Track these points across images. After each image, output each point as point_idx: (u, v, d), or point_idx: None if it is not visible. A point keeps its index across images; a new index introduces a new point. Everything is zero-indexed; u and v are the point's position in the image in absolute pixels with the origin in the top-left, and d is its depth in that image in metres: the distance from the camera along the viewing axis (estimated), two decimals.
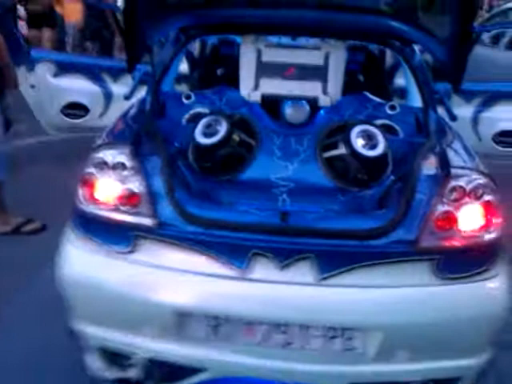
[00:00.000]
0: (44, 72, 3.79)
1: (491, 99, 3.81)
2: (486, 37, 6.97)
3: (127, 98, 3.68)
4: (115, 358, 1.89)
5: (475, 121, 3.81)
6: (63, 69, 3.83)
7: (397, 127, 2.30)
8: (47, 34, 6.92)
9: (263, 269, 1.69)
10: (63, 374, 2.29)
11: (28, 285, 2.85)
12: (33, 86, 3.85)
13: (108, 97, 3.94)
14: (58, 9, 7.16)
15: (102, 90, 3.93)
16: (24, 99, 3.94)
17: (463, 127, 3.38)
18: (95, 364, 1.96)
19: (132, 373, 1.84)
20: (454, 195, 1.76)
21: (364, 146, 2.03)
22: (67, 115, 3.95)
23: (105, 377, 1.97)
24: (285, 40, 2.63)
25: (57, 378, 2.29)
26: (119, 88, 3.86)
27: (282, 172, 2.05)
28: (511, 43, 6.56)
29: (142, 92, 3.22)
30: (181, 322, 1.76)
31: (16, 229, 3.45)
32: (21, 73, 3.81)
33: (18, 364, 2.34)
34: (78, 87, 3.91)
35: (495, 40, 6.84)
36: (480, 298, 1.77)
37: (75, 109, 3.95)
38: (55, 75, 3.87)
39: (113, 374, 1.93)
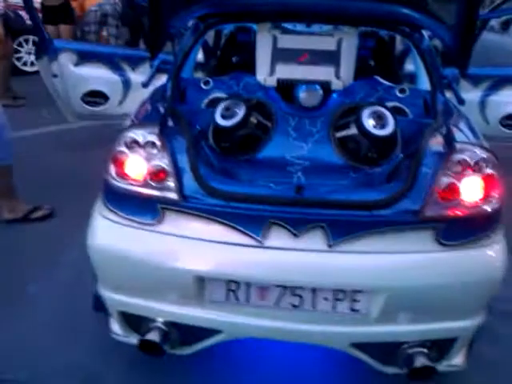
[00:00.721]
0: (66, 61, 3.90)
1: (498, 83, 3.89)
2: (495, 23, 7.02)
3: (145, 85, 3.79)
4: (137, 322, 2.05)
5: (483, 104, 3.90)
6: (84, 58, 3.95)
7: (406, 109, 2.41)
8: (65, 31, 6.78)
9: (278, 237, 1.83)
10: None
11: (41, 273, 2.98)
12: (55, 76, 3.98)
13: (127, 85, 4.05)
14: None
15: (121, 78, 4.03)
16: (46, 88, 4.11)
17: (471, 111, 3.47)
18: (118, 328, 2.13)
19: (152, 336, 1.97)
20: (458, 168, 1.88)
21: (374, 126, 2.12)
22: (87, 103, 4.07)
23: (126, 341, 2.14)
24: (299, 27, 2.73)
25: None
26: (137, 76, 3.97)
27: (297, 151, 2.18)
28: None
29: (159, 80, 3.36)
30: (201, 286, 1.91)
31: (25, 216, 3.50)
32: (44, 63, 3.97)
33: None
34: (98, 76, 4.01)
35: (505, 26, 6.87)
36: (479, 264, 1.90)
37: (95, 97, 4.07)
38: (76, 64, 3.98)
39: (134, 337, 2.09)
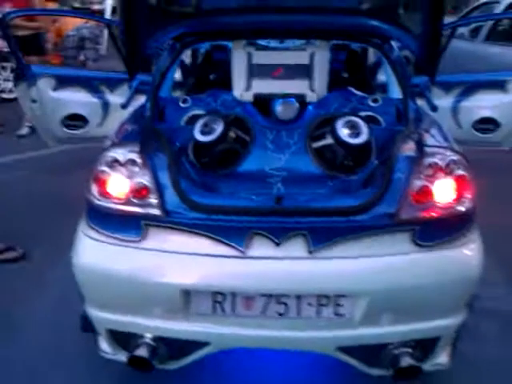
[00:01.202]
0: (45, 86, 3.92)
1: (469, 89, 3.99)
2: (465, 31, 7.21)
3: (124, 106, 3.82)
4: (125, 339, 2.07)
5: (455, 110, 4.00)
6: (62, 82, 3.97)
7: (379, 118, 2.49)
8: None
9: (261, 247, 1.88)
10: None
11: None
12: (34, 101, 3.99)
13: (106, 107, 4.07)
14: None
15: (100, 100, 4.05)
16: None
17: (444, 117, 3.56)
18: (107, 346, 2.15)
19: (140, 352, 2.00)
20: (430, 171, 1.95)
21: (349, 136, 2.19)
22: (67, 126, 4.09)
23: (115, 358, 2.16)
24: (273, 43, 2.79)
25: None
26: (116, 98, 4.00)
27: (275, 163, 2.23)
28: (488, 36, 6.76)
29: (138, 101, 3.40)
30: (188, 300, 1.94)
31: None
32: (22, 88, 3.99)
33: None
34: (77, 99, 4.02)
35: (474, 34, 7.05)
36: (456, 263, 1.96)
37: (75, 120, 4.09)
38: (55, 89, 4.01)
39: (123, 354, 2.11)
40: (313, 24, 2.72)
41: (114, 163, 2.01)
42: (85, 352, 2.45)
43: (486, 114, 4.00)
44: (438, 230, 1.93)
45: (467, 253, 1.97)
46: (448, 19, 4.80)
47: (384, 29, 2.67)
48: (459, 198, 1.97)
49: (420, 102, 2.94)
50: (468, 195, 1.98)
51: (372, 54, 3.91)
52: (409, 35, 2.55)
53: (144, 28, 2.31)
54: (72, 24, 6.44)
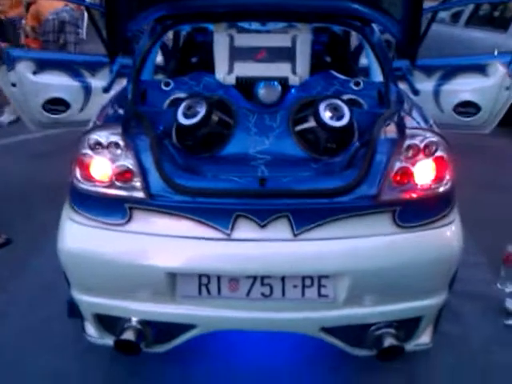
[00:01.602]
0: (24, 70, 3.86)
1: (450, 73, 4.02)
2: (446, 15, 7.25)
3: (106, 90, 3.79)
4: (112, 323, 2.08)
5: (437, 94, 4.03)
6: (42, 66, 3.90)
7: (361, 101, 2.51)
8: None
9: (245, 229, 1.89)
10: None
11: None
12: (14, 85, 3.92)
13: (87, 91, 4.01)
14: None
15: (81, 84, 3.99)
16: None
17: (426, 100, 3.60)
18: (93, 331, 2.16)
19: (127, 336, 2.00)
20: (410, 153, 1.97)
21: (331, 118, 2.21)
22: (48, 111, 4.04)
23: (102, 342, 2.18)
24: (254, 25, 2.79)
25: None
26: (98, 82, 3.95)
27: (258, 146, 2.25)
28: (469, 20, 6.82)
29: (120, 85, 3.37)
30: (173, 282, 1.96)
31: None
32: (1, 73, 3.93)
33: None
34: (58, 83, 3.96)
35: (455, 18, 7.10)
36: (437, 243, 1.99)
37: (56, 104, 4.03)
38: (35, 73, 3.95)
39: (110, 338, 2.11)
40: (294, 7, 2.72)
41: (97, 146, 2.00)
42: (71, 337, 2.47)
43: (467, 97, 4.03)
44: (418, 211, 1.96)
45: (447, 233, 2.00)
46: (430, 3, 4.85)
47: (365, 12, 2.67)
48: (439, 179, 1.99)
49: (402, 86, 2.96)
50: (448, 176, 2.01)
51: (355, 38, 3.92)
52: (390, 18, 2.55)
53: (125, 10, 2.28)
54: (50, 7, 6.30)
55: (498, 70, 4.04)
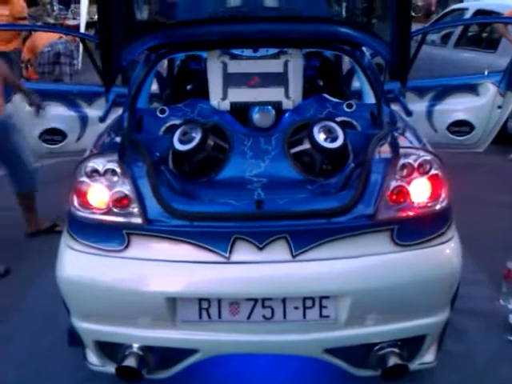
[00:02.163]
0: (21, 101, 3.92)
1: (442, 93, 4.09)
2: (436, 38, 7.37)
3: (102, 120, 3.84)
4: (113, 350, 2.06)
5: (429, 114, 4.09)
6: (41, 97, 3.98)
7: (354, 122, 2.55)
8: None
9: (244, 252, 1.89)
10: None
11: None
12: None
13: (83, 121, 4.06)
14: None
15: (78, 114, 4.05)
16: None
17: (419, 121, 3.66)
18: (95, 359, 2.14)
19: (129, 362, 1.98)
20: (405, 171, 1.99)
21: (326, 140, 2.26)
22: (45, 141, 4.07)
23: (104, 370, 2.15)
24: (247, 52, 2.83)
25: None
26: (94, 111, 4.01)
27: (254, 169, 2.28)
28: (458, 42, 6.93)
29: (115, 114, 3.41)
30: (174, 307, 1.95)
31: None
32: None
33: None
34: (55, 114, 4.02)
35: (445, 40, 7.21)
36: (436, 261, 1.99)
37: (53, 134, 4.07)
38: (31, 104, 4.01)
39: (111, 365, 2.09)
40: (285, 32, 2.77)
41: (94, 173, 2.01)
42: (72, 365, 2.44)
43: (460, 116, 4.10)
44: (416, 229, 1.97)
45: (447, 250, 2.01)
46: (418, 26, 4.95)
47: (355, 36, 2.73)
48: (435, 197, 2.01)
49: (395, 108, 3.00)
50: (443, 194, 2.02)
51: (347, 62, 3.98)
52: (379, 41, 2.60)
53: (119, 39, 2.32)
54: (45, 40, 6.38)
55: (489, 89, 4.11)
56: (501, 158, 5.54)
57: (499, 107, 4.13)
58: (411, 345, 2.05)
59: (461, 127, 4.14)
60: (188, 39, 2.82)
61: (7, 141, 3.68)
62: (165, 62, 4.14)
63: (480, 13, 6.52)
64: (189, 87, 3.75)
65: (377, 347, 2.01)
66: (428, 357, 2.14)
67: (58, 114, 4.02)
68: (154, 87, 3.60)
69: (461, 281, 2.07)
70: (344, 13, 3.52)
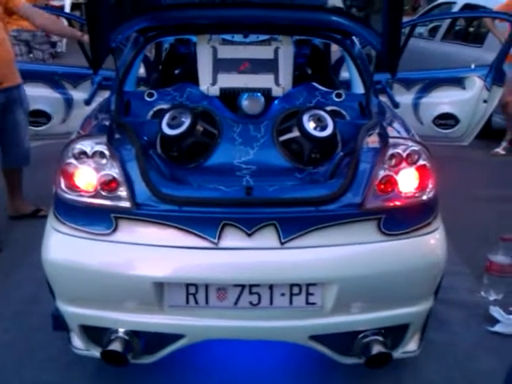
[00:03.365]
0: None
1: (429, 86, 4.12)
2: (424, 30, 7.41)
3: (87, 103, 3.80)
4: (98, 334, 2.04)
5: (416, 106, 4.13)
6: (24, 78, 3.90)
7: (343, 112, 2.56)
8: None
9: (232, 238, 1.89)
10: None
11: None
12: None
13: (69, 103, 4.02)
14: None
15: (63, 96, 4.00)
16: None
17: (406, 113, 3.67)
18: (80, 343, 2.12)
19: (114, 346, 1.97)
20: (393, 161, 2.00)
21: (315, 128, 2.26)
22: (30, 123, 4.01)
23: (89, 354, 2.14)
24: (237, 37, 2.82)
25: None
26: (79, 94, 3.96)
27: (243, 156, 2.27)
28: (446, 35, 6.98)
29: (101, 97, 3.36)
30: (161, 292, 1.94)
31: None
32: None
33: None
34: (40, 95, 3.97)
35: (432, 33, 7.26)
36: (422, 250, 2.01)
37: (37, 116, 4.02)
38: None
39: (96, 350, 2.08)
40: (276, 19, 2.75)
41: (82, 155, 1.98)
42: (56, 350, 2.43)
43: (446, 109, 4.14)
44: (402, 219, 1.98)
45: (432, 241, 2.03)
46: (407, 19, 4.96)
47: (346, 24, 2.72)
48: (422, 188, 2.02)
49: (382, 99, 3.01)
50: (430, 185, 2.04)
51: (335, 52, 3.99)
52: (370, 31, 2.60)
53: (108, 20, 2.28)
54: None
55: (476, 83, 4.16)
56: (484, 152, 5.61)
57: (485, 101, 4.18)
58: (395, 333, 2.08)
59: (446, 120, 4.19)
60: (178, 22, 2.79)
61: (11, 113, 3.63)
62: (152, 46, 4.10)
63: (468, 7, 6.56)
64: (177, 71, 3.72)
65: (361, 335, 2.03)
66: (411, 345, 2.16)
67: (42, 95, 3.97)
68: (141, 71, 3.56)
69: (444, 272, 2.09)
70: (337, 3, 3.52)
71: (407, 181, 2.00)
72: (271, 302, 1.96)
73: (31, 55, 6.27)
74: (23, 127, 3.73)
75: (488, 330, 2.68)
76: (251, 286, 1.93)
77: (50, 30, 3.97)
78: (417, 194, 2.01)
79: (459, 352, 2.53)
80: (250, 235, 1.89)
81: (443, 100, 4.17)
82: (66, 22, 5.73)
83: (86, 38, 3.75)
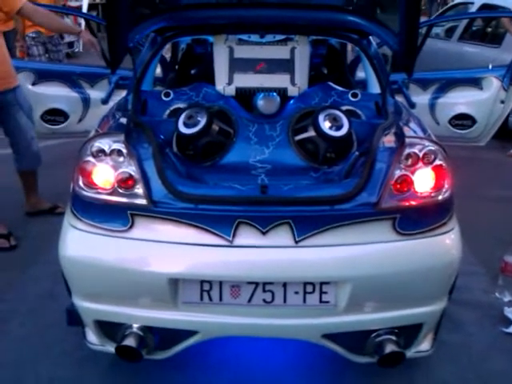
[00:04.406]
0: (24, 81, 3.90)
1: (445, 86, 4.10)
2: (440, 31, 7.36)
3: (104, 102, 3.84)
4: (113, 330, 2.07)
5: (432, 107, 4.10)
6: (42, 77, 3.95)
7: (359, 111, 2.56)
8: None
9: (247, 236, 1.90)
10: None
11: None
12: None
13: (86, 102, 4.06)
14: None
15: (80, 95, 4.04)
16: None
17: (422, 113, 3.65)
18: (94, 338, 2.16)
19: (128, 342, 1.99)
20: (409, 161, 1.99)
21: (330, 128, 2.26)
22: (47, 121, 4.07)
23: (103, 349, 2.17)
24: (254, 37, 2.84)
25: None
26: (96, 93, 4.00)
27: (259, 156, 2.29)
28: (462, 35, 6.93)
29: (118, 96, 3.39)
30: (175, 289, 1.96)
31: None
32: None
33: None
34: (57, 94, 4.01)
35: (449, 34, 7.20)
36: (437, 250, 2.00)
37: (55, 115, 4.06)
38: (34, 83, 3.99)
39: (111, 345, 2.11)
40: (293, 19, 2.77)
41: (100, 153, 2.01)
42: (70, 345, 2.47)
43: (463, 110, 4.11)
44: (418, 219, 1.97)
45: (447, 241, 2.02)
46: (424, 19, 4.94)
47: (363, 24, 2.72)
48: (438, 187, 2.01)
49: (399, 99, 3.01)
50: (446, 185, 2.03)
51: (351, 52, 3.99)
52: (387, 31, 2.60)
53: (125, 20, 2.31)
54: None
55: (493, 83, 4.12)
56: (500, 153, 5.57)
57: (502, 102, 4.14)
58: (408, 333, 2.07)
59: (463, 121, 4.16)
60: (195, 23, 2.81)
61: (10, 116, 3.66)
62: (169, 46, 4.12)
63: (485, 7, 6.51)
64: (193, 71, 3.75)
65: (374, 334, 2.03)
66: (424, 345, 2.16)
67: (60, 94, 4.01)
68: (157, 71, 3.60)
69: (459, 272, 2.08)
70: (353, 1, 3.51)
71: (423, 181, 2.00)
72: (285, 300, 1.97)
73: (47, 55, 6.38)
74: (28, 130, 3.75)
75: (502, 331, 2.67)
76: (265, 283, 1.95)
77: (48, 27, 4.02)
78: (433, 194, 2.01)
79: (473, 353, 2.52)
80: (264, 233, 1.90)
81: (460, 100, 4.14)
82: (67, 20, 5.77)
83: (84, 33, 3.87)
